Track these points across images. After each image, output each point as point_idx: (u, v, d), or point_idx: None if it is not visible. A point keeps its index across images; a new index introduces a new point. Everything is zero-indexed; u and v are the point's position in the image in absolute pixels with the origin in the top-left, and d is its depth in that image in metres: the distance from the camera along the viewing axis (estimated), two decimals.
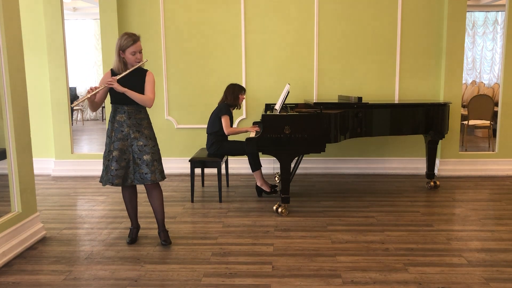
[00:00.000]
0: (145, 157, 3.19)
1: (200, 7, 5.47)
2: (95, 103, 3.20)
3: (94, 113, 11.93)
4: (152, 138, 3.26)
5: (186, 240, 3.47)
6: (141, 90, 3.17)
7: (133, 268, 2.98)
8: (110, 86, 3.08)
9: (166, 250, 3.28)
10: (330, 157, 5.63)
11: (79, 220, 4.00)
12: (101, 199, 4.64)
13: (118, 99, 3.18)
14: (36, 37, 5.49)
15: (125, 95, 3.12)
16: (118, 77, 3.11)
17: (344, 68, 5.51)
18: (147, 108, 3.28)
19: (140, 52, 3.16)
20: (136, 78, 3.18)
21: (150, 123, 3.31)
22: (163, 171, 3.30)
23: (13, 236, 3.20)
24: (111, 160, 3.21)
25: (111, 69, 3.23)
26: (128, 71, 3.13)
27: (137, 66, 3.15)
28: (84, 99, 3.05)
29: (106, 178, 3.23)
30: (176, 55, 5.55)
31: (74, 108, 10.42)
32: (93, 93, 3.06)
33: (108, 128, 3.27)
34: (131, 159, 3.21)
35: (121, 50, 3.13)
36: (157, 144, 3.30)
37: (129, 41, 3.10)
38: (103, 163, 3.26)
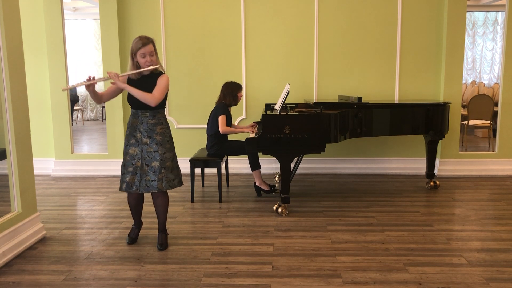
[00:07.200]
0: (153, 164, 3.17)
1: (200, 7, 5.47)
2: (99, 95, 3.18)
3: (94, 113, 11.95)
4: (164, 144, 3.20)
5: (186, 240, 3.47)
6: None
7: (133, 268, 2.98)
8: (110, 79, 3.06)
9: (166, 250, 3.28)
10: (330, 157, 5.63)
11: (79, 220, 4.00)
12: (101, 199, 4.64)
13: (133, 103, 3.18)
14: (36, 37, 5.49)
15: (140, 103, 3.10)
16: (122, 74, 3.13)
17: (344, 68, 5.52)
18: (165, 114, 3.27)
19: (151, 55, 3.11)
20: (149, 82, 3.16)
21: (165, 129, 3.24)
22: (173, 179, 3.23)
23: (13, 236, 3.20)
24: (122, 165, 3.24)
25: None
26: (134, 71, 3.13)
27: (147, 69, 3.11)
28: (78, 86, 3.06)
29: (120, 183, 3.28)
30: (176, 55, 5.56)
31: (74, 108, 10.42)
32: (88, 82, 3.03)
33: (125, 132, 3.28)
34: (139, 165, 3.18)
35: (133, 53, 3.13)
36: (169, 152, 3.22)
37: (139, 43, 3.09)
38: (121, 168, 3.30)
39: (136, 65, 3.16)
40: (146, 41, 3.10)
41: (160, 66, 3.21)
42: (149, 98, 3.07)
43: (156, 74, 3.20)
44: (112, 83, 3.11)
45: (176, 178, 3.27)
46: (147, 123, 3.18)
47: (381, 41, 5.46)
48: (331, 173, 5.65)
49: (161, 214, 3.35)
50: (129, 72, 3.15)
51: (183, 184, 3.37)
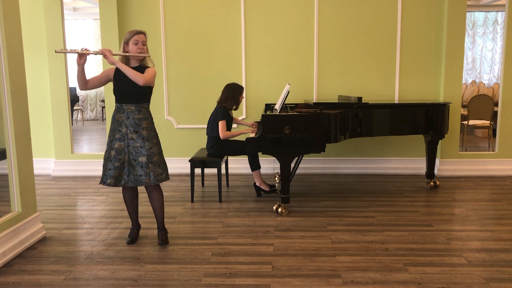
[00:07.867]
0: (140, 159, 3.18)
1: (200, 7, 5.47)
2: (85, 79, 3.17)
3: (94, 113, 11.95)
4: (150, 139, 3.21)
5: (186, 240, 3.47)
6: (140, 87, 3.15)
7: (133, 268, 2.98)
8: (103, 53, 3.06)
9: (166, 250, 3.28)
10: (330, 157, 5.63)
11: (79, 220, 4.00)
12: (101, 199, 4.64)
13: (119, 97, 3.20)
14: (36, 37, 5.50)
15: (126, 94, 3.14)
16: (115, 52, 3.16)
17: (344, 68, 5.51)
18: (150, 109, 3.30)
19: (144, 44, 3.18)
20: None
21: (151, 124, 3.27)
22: (161, 174, 3.23)
23: (13, 236, 3.20)
24: (107, 159, 3.23)
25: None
26: (126, 53, 3.15)
27: (139, 55, 3.15)
28: (72, 52, 3.06)
29: (101, 177, 3.26)
30: (176, 55, 5.56)
31: (74, 108, 10.42)
32: (82, 52, 3.03)
33: (110, 127, 3.29)
34: (126, 160, 3.20)
35: (125, 43, 3.19)
36: (155, 146, 3.24)
37: (133, 32, 3.18)
38: (103, 162, 3.28)
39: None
40: (139, 31, 3.21)
41: (150, 59, 3.27)
42: (139, 77, 3.07)
43: (144, 68, 3.23)
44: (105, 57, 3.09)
45: (163, 172, 3.27)
46: (133, 118, 3.19)
47: (381, 41, 5.46)
48: (331, 173, 5.66)
49: (158, 210, 3.35)
50: (122, 52, 3.18)
51: (169, 179, 3.37)
